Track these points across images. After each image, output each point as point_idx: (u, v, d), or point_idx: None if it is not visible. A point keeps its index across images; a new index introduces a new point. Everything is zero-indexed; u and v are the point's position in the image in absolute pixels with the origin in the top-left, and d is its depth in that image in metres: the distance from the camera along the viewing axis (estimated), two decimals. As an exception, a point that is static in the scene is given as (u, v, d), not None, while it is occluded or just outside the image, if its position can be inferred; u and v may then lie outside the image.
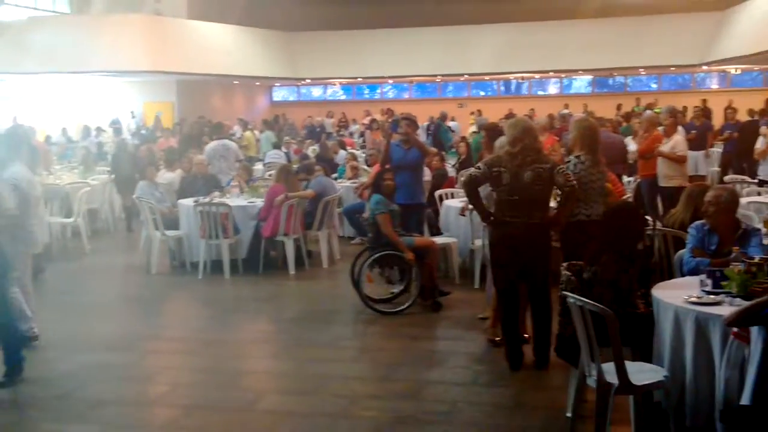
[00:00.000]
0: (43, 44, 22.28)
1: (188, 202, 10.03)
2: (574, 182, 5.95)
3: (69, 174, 13.93)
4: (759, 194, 9.37)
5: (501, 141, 6.49)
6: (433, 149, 11.46)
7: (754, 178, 11.84)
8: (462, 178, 6.56)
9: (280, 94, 33.94)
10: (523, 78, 30.96)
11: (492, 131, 7.42)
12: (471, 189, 6.12)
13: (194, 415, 5.50)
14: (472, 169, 6.26)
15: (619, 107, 25.22)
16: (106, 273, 10.33)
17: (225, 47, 25.46)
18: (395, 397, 5.68)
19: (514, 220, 5.94)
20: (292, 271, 9.65)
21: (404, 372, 6.29)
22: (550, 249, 6.02)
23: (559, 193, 6.10)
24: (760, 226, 6.35)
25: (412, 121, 8.94)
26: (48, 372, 6.54)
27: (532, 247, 5.93)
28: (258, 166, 15.37)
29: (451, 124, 20.92)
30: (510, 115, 18.90)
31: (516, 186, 5.92)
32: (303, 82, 31.52)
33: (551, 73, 29.61)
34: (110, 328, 7.59)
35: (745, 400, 3.86)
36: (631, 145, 13.01)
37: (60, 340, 7.04)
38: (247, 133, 18.97)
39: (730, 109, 16.36)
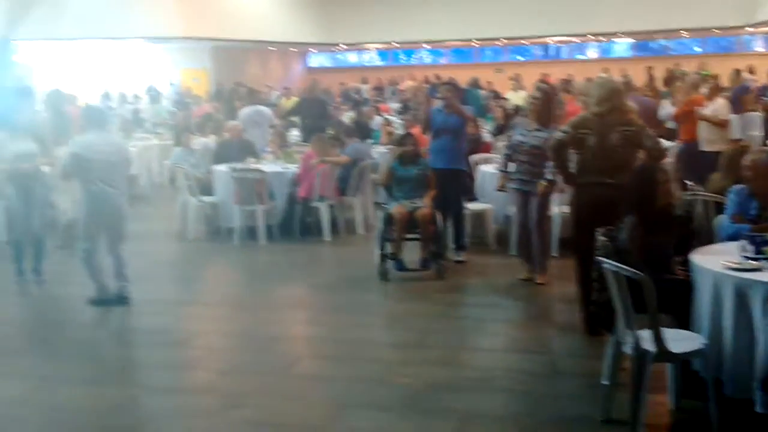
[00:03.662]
0: (79, 10, 22.37)
1: (223, 168, 10.06)
2: (662, 146, 5.87)
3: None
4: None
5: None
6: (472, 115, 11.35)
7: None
8: (549, 143, 6.50)
9: (316, 60, 33.80)
10: (561, 42, 30.47)
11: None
12: (559, 153, 6.13)
13: (229, 378, 5.54)
14: (557, 133, 6.23)
15: (649, 70, 24.49)
16: (144, 239, 10.38)
17: (260, 12, 25.35)
18: (429, 363, 5.67)
19: (599, 182, 5.84)
20: (327, 237, 9.66)
21: (439, 338, 6.28)
22: None
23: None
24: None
25: (453, 86, 8.92)
26: (87, 334, 6.66)
27: (617, 208, 5.79)
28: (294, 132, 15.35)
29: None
30: (543, 80, 18.59)
31: (602, 148, 5.83)
32: (338, 47, 31.34)
33: (590, 37, 29.07)
34: (147, 293, 7.66)
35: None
36: (668, 108, 12.71)
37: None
38: (283, 100, 18.93)
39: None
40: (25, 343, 6.38)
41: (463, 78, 21.10)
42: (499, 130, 13.42)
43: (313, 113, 14.76)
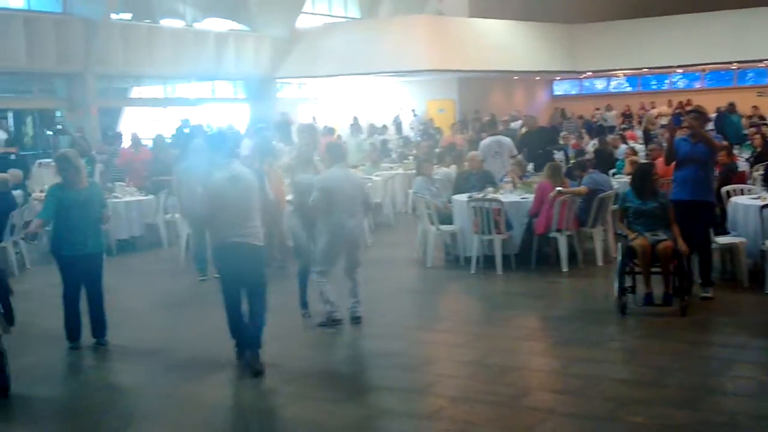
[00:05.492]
0: (336, 48, 23.89)
1: (462, 197, 10.23)
2: None
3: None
4: None
5: None
6: (723, 143, 10.71)
7: None
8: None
9: (561, 87, 33.46)
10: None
11: None
12: None
13: (459, 406, 5.61)
14: None
15: None
16: (385, 265, 10.80)
17: (505, 43, 25.60)
18: (666, 403, 5.39)
19: None
20: (564, 268, 9.49)
21: (678, 378, 5.95)
22: None
23: None
24: None
25: (700, 114, 8.42)
26: (333, 354, 7.04)
27: None
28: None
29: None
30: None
31: None
32: (584, 74, 30.81)
33: None
34: (386, 317, 7.96)
35: None
36: None
37: (343, 325, 7.51)
38: (524, 129, 18.88)
39: None
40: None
41: (718, 102, 19.98)
42: (758, 159, 12.53)
43: (540, 143, 14.54)
